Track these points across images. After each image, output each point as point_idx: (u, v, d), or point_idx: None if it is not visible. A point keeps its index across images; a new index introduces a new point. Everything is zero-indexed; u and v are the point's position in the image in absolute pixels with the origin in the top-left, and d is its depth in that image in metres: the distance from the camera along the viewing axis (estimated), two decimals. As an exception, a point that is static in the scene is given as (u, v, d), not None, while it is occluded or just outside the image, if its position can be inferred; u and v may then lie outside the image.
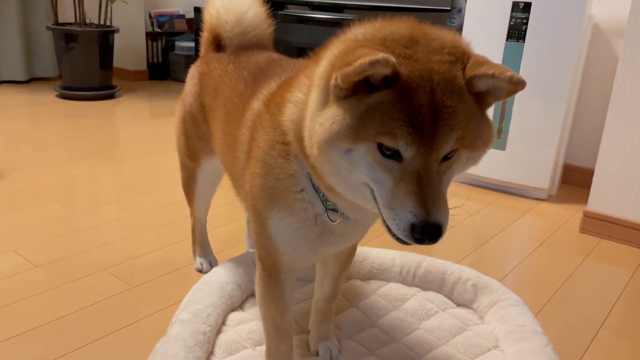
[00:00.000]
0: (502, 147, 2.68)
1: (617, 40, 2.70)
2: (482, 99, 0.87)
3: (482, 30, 2.62)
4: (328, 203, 1.01)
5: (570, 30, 2.44)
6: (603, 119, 2.21)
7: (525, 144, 2.63)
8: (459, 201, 2.58)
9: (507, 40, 2.56)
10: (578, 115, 2.87)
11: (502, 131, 2.67)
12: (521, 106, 2.60)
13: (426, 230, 0.80)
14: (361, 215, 1.02)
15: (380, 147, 0.81)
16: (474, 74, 0.83)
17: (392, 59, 0.78)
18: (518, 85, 0.82)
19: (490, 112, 2.98)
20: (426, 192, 0.80)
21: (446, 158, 0.84)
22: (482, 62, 0.85)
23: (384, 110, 0.80)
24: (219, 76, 1.39)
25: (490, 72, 0.82)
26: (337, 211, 1.02)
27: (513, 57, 2.55)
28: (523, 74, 2.53)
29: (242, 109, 1.19)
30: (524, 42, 2.52)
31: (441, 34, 0.88)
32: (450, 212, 0.84)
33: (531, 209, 2.56)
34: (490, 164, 2.72)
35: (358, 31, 0.90)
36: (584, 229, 2.30)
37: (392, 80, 0.81)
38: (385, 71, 0.79)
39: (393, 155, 0.82)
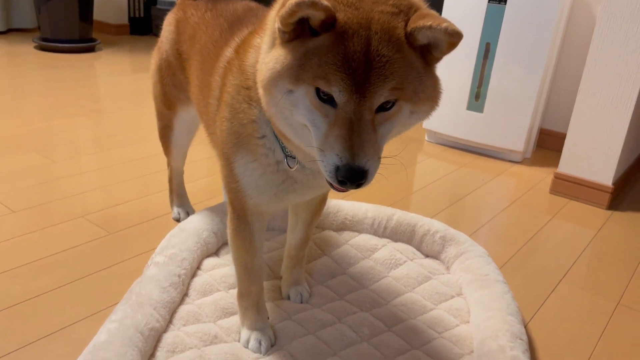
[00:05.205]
0: (480, 110, 2.72)
1: (598, 6, 2.71)
2: (428, 54, 0.89)
3: (464, -9, 2.62)
4: (287, 150, 1.04)
5: (552, -7, 2.45)
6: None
7: (502, 108, 2.67)
8: (438, 162, 2.63)
9: (489, 2, 2.56)
10: (556, 80, 2.90)
11: (481, 95, 2.71)
12: (500, 70, 2.62)
13: (349, 174, 0.84)
14: (315, 163, 1.05)
15: (318, 91, 0.85)
16: (414, 26, 0.85)
17: (324, 2, 0.80)
18: (454, 36, 0.84)
19: (469, 76, 2.94)
20: (355, 138, 0.84)
21: (385, 109, 0.87)
22: (425, 15, 0.86)
23: (321, 55, 0.83)
24: (196, 23, 1.39)
25: (428, 23, 0.83)
26: (295, 158, 1.05)
27: (495, 19, 2.56)
28: (504, 36, 2.55)
29: (216, 56, 1.20)
30: (505, 4, 2.52)
31: None
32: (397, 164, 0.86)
33: (505, 171, 2.62)
34: (467, 127, 2.76)
35: None
36: (553, 190, 2.37)
37: (331, 26, 0.83)
38: (319, 14, 0.82)
39: (330, 100, 0.85)
